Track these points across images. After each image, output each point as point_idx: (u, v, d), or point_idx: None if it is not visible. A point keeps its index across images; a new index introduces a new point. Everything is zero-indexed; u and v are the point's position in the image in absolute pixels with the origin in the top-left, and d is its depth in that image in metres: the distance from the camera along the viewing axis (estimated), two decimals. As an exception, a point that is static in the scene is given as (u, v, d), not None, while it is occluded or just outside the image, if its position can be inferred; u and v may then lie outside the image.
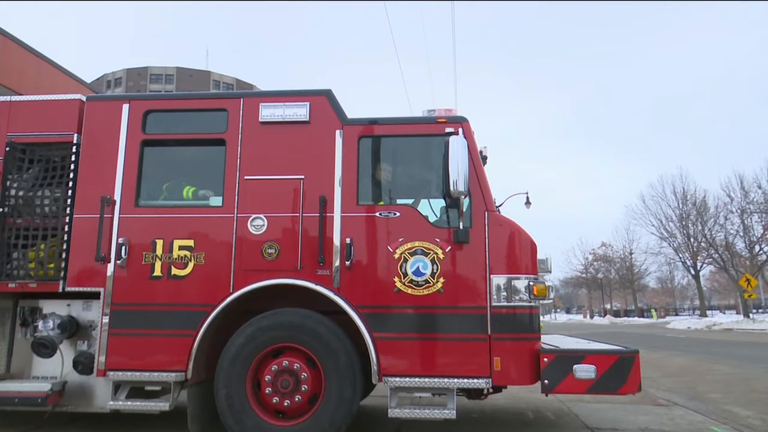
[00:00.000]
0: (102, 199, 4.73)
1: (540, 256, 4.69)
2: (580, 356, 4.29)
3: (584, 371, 4.21)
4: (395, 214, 4.57)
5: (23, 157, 4.93)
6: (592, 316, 71.23)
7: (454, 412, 4.22)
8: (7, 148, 4.91)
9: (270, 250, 4.56)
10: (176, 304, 4.56)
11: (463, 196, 4.36)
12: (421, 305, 4.40)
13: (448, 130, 4.63)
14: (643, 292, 75.13)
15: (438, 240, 4.48)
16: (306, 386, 4.35)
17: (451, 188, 4.30)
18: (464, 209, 4.48)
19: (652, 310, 68.69)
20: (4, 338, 4.89)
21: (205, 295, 4.54)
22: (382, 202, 4.73)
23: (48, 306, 4.90)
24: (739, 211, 41.04)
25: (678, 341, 19.94)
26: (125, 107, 4.92)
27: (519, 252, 4.50)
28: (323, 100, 4.78)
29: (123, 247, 4.63)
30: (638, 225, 51.40)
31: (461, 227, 4.44)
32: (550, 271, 5.01)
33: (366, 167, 4.72)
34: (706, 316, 47.94)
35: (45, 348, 4.66)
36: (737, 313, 48.33)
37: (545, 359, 4.25)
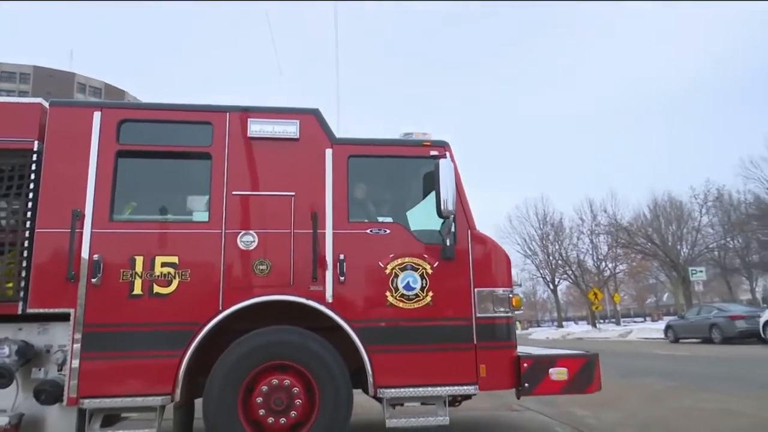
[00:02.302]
0: (73, 212, 4.38)
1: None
2: (554, 360, 4.77)
3: (558, 374, 4.69)
4: (385, 231, 4.76)
5: None
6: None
7: (448, 418, 4.47)
8: None
9: (261, 267, 4.52)
10: (160, 324, 4.33)
11: (451, 216, 4.67)
12: (412, 318, 4.61)
13: (433, 153, 4.94)
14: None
15: (426, 256, 4.74)
16: (300, 400, 4.31)
17: (441, 208, 4.60)
18: (450, 227, 4.79)
19: (518, 322, 74.39)
20: None
21: (192, 314, 4.37)
22: (371, 220, 4.89)
23: None
24: (588, 231, 46.63)
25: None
26: (96, 115, 4.61)
27: (498, 267, 4.90)
28: (312, 119, 4.86)
29: (98, 264, 4.31)
30: (506, 243, 55.81)
31: (448, 244, 4.75)
32: (520, 285, 5.48)
33: (355, 185, 4.87)
34: (562, 326, 53.40)
35: (1, 378, 4.18)
36: (588, 323, 54.14)
37: (525, 364, 4.67)
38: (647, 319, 59.06)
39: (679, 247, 42.03)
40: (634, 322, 54.10)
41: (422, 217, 5.11)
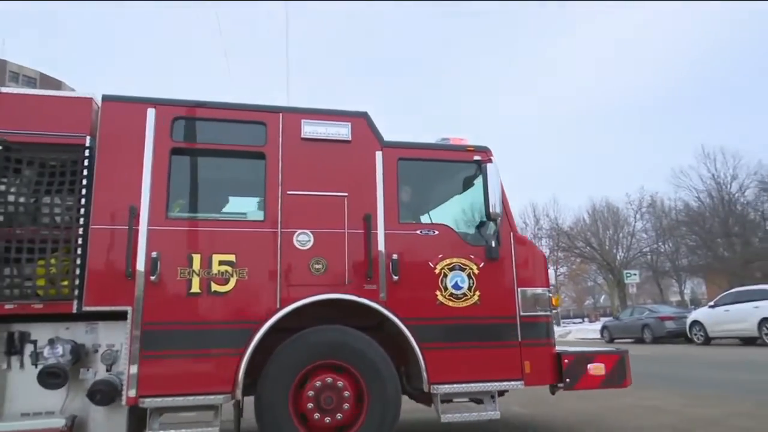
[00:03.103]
0: (130, 209, 4.32)
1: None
2: (592, 356, 5.02)
3: (596, 369, 4.94)
4: (434, 232, 4.91)
5: (19, 157, 4.29)
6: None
7: (498, 412, 4.64)
8: None
9: (317, 266, 4.58)
10: (218, 322, 4.33)
11: (499, 218, 4.87)
12: (461, 316, 4.77)
13: (476, 157, 5.13)
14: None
15: (472, 256, 4.92)
16: (347, 404, 4.39)
17: (490, 210, 4.80)
18: (494, 229, 4.99)
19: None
20: None
21: (251, 312, 4.39)
22: (420, 221, 5.03)
23: (39, 330, 4.28)
24: (531, 235, 48.37)
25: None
26: (150, 111, 4.57)
27: (538, 267, 5.13)
28: (362, 122, 4.97)
29: (156, 262, 4.27)
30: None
31: (493, 245, 4.94)
32: (554, 285, 5.73)
33: (405, 187, 5.00)
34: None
35: (55, 378, 4.08)
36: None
37: (566, 360, 4.90)
38: (585, 320, 61.16)
39: (615, 250, 44.26)
40: (573, 323, 55.68)
41: (464, 219, 5.29)
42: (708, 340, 18.11)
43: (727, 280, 32.06)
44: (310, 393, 4.36)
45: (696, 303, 38.79)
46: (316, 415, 4.33)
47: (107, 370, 4.35)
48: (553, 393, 5.19)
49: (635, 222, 44.21)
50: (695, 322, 18.85)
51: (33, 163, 4.32)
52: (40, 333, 4.26)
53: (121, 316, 4.32)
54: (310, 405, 4.34)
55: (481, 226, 5.06)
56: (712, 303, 18.99)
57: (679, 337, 19.99)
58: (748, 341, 17.08)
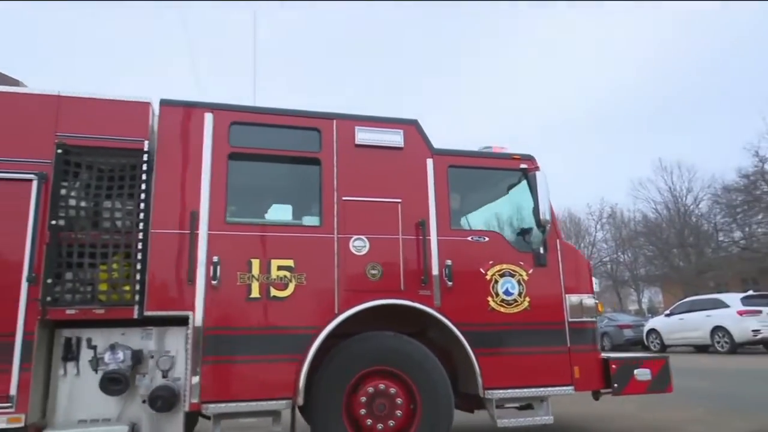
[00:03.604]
0: (191, 213, 4.32)
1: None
2: (639, 362, 5.10)
3: (642, 374, 5.02)
4: (484, 238, 4.97)
5: (78, 161, 4.27)
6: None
7: (551, 417, 4.69)
8: (59, 151, 4.21)
9: (373, 271, 4.61)
10: (279, 327, 4.33)
11: (548, 225, 4.95)
12: (513, 322, 4.82)
13: (522, 165, 5.22)
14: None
15: (522, 263, 4.98)
16: (400, 411, 4.40)
17: (540, 218, 4.88)
18: (543, 236, 5.07)
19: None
20: (38, 376, 4.07)
21: (310, 317, 4.40)
22: (470, 227, 5.09)
23: (97, 336, 4.24)
24: None
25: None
26: (208, 116, 4.58)
27: (583, 274, 5.21)
28: (413, 129, 5.03)
29: (217, 267, 4.27)
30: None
31: (541, 252, 5.02)
32: (596, 291, 5.81)
33: (455, 194, 5.06)
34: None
35: (117, 384, 4.06)
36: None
37: (613, 366, 4.97)
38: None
39: (577, 260, 44.70)
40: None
41: (511, 226, 5.36)
42: (664, 348, 18.47)
43: (682, 289, 32.67)
44: (363, 399, 4.37)
45: (653, 312, 39.36)
46: (369, 421, 4.34)
47: (163, 377, 4.32)
48: (597, 398, 5.25)
49: (596, 232, 45.37)
50: (652, 330, 19.28)
51: (92, 167, 4.29)
52: (98, 339, 4.22)
53: (176, 322, 4.31)
54: (362, 411, 4.35)
55: (527, 232, 5.14)
56: (667, 312, 19.44)
57: (637, 344, 20.46)
58: (701, 349, 17.49)
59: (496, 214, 5.65)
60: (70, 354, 4.18)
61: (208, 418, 4.80)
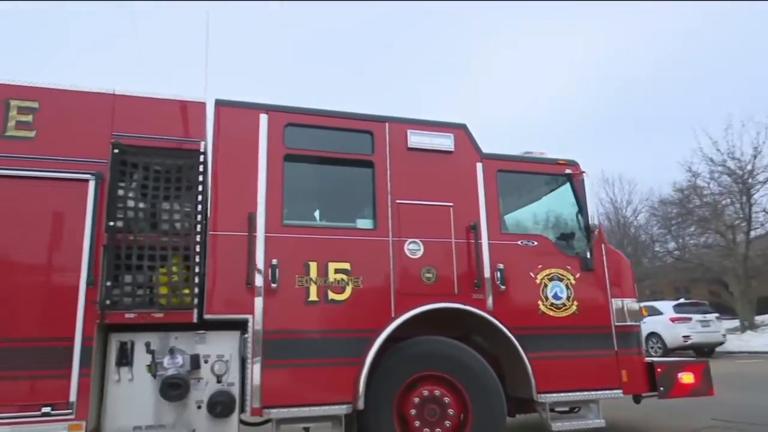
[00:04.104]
0: (249, 215, 4.26)
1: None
2: (682, 365, 5.16)
3: (686, 378, 5.08)
4: (533, 242, 4.99)
5: (135, 161, 4.18)
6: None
7: (603, 420, 4.72)
8: (115, 150, 4.12)
9: (428, 275, 4.59)
10: (337, 331, 4.29)
11: (596, 229, 5.00)
12: (562, 326, 4.85)
13: (567, 171, 5.27)
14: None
15: (569, 267, 5.02)
16: (449, 422, 4.38)
17: (588, 222, 4.93)
18: (589, 240, 5.11)
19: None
20: (95, 382, 3.96)
21: (367, 321, 4.36)
22: (519, 232, 5.11)
23: (153, 340, 4.14)
24: None
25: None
26: (263, 117, 4.53)
27: (627, 278, 5.27)
28: (463, 133, 5.04)
29: (276, 270, 4.21)
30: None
31: (588, 256, 5.06)
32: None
33: (504, 198, 5.08)
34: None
35: (176, 389, 3.96)
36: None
37: (659, 369, 5.02)
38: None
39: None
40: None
41: (555, 230, 5.40)
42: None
43: (621, 297, 33.39)
44: (414, 403, 4.35)
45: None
46: (417, 423, 4.32)
47: (217, 382, 4.23)
48: (638, 402, 5.30)
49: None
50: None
51: (148, 167, 4.20)
52: (156, 343, 4.13)
53: (228, 326, 4.24)
54: (413, 415, 4.33)
55: (572, 237, 5.18)
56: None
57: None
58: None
59: (538, 218, 5.68)
60: (125, 359, 4.07)
61: (250, 424, 4.75)
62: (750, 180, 22.92)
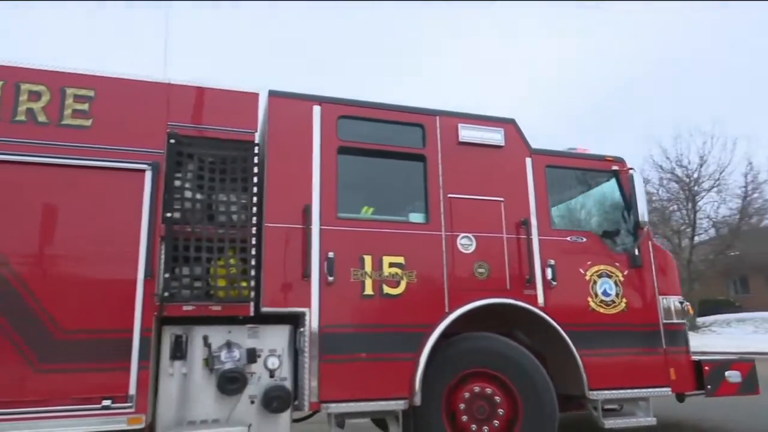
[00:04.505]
0: (305, 207, 4.20)
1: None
2: (729, 364, 5.13)
3: (734, 376, 5.04)
4: (582, 239, 4.96)
5: (190, 152, 4.11)
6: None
7: (654, 418, 4.69)
8: (171, 140, 4.05)
9: (480, 270, 4.55)
10: (393, 325, 4.24)
11: (646, 226, 4.97)
12: (612, 323, 4.81)
13: (614, 167, 5.23)
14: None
15: (617, 264, 4.98)
16: (497, 421, 4.33)
17: (639, 218, 4.90)
18: (637, 237, 5.07)
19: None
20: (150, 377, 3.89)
21: (421, 316, 4.31)
22: (566, 227, 5.08)
23: (210, 334, 4.07)
24: None
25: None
26: (316, 109, 4.48)
27: (673, 275, 5.24)
28: (512, 128, 4.99)
29: (332, 263, 4.15)
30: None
31: (636, 253, 5.03)
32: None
33: (553, 194, 5.04)
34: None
35: (234, 383, 3.90)
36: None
37: (706, 368, 4.99)
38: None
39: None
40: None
41: (602, 227, 5.35)
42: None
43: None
44: (465, 397, 4.31)
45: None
46: (465, 418, 4.28)
47: (270, 376, 4.17)
48: (681, 401, 5.26)
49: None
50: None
51: (203, 158, 4.14)
52: (213, 337, 4.06)
53: (279, 319, 4.19)
54: (462, 407, 4.29)
55: (619, 233, 5.14)
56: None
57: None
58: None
59: (584, 214, 5.64)
60: (179, 352, 4.00)
61: (295, 420, 4.69)
62: (696, 187, 24.60)
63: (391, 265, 4.34)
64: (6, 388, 3.45)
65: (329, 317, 4.10)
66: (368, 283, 4.25)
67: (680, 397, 5.23)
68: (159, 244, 3.88)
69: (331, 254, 4.17)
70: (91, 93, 4.00)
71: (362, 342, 4.14)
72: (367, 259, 4.29)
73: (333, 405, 3.95)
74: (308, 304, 4.08)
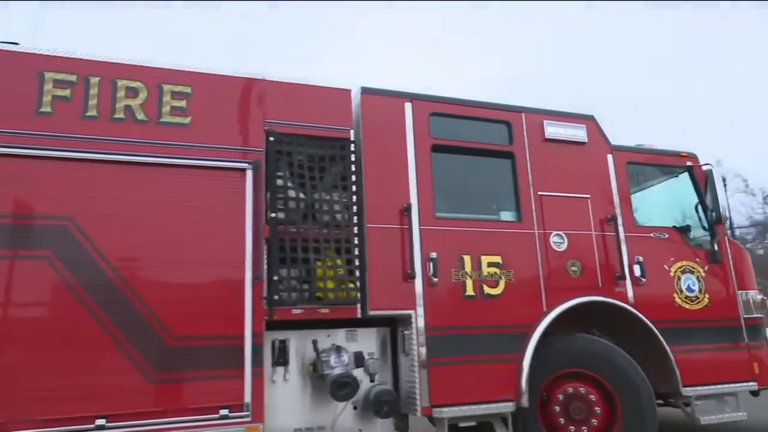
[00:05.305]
0: (406, 207, 4.11)
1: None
2: None
3: None
4: (665, 235, 4.94)
5: (289, 150, 3.98)
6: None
7: (744, 413, 4.68)
8: (270, 138, 3.91)
9: (573, 268, 4.50)
10: (495, 326, 4.16)
11: (727, 221, 4.98)
12: (697, 319, 4.80)
13: (688, 163, 5.24)
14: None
15: (698, 259, 4.98)
16: (596, 421, 4.28)
17: (720, 214, 4.90)
18: (717, 232, 5.08)
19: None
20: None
21: (521, 315, 4.25)
22: (650, 224, 5.05)
23: (319, 338, 3.96)
24: None
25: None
26: (408, 106, 4.38)
27: (749, 270, 5.26)
28: (593, 124, 4.96)
29: (435, 263, 4.06)
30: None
31: (716, 248, 5.03)
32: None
33: (634, 190, 5.02)
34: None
35: (345, 388, 3.78)
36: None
37: None
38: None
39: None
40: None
41: (681, 223, 5.34)
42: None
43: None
44: (559, 400, 4.25)
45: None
46: (562, 420, 4.22)
47: (371, 380, 4.07)
48: (756, 395, 5.28)
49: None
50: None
51: (302, 157, 4.01)
52: (321, 341, 3.94)
53: (380, 323, 4.10)
54: (558, 411, 4.23)
55: (697, 229, 5.14)
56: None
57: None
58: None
59: (662, 210, 5.63)
60: (282, 358, 3.87)
61: None
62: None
63: (490, 264, 4.26)
64: (121, 400, 3.27)
65: (434, 319, 4.00)
66: (469, 283, 4.16)
67: (755, 393, 5.24)
68: (262, 246, 3.74)
69: (433, 255, 4.07)
70: (188, 90, 3.84)
71: (467, 344, 4.05)
72: (467, 259, 4.21)
73: (446, 409, 3.85)
74: (413, 306, 3.98)
